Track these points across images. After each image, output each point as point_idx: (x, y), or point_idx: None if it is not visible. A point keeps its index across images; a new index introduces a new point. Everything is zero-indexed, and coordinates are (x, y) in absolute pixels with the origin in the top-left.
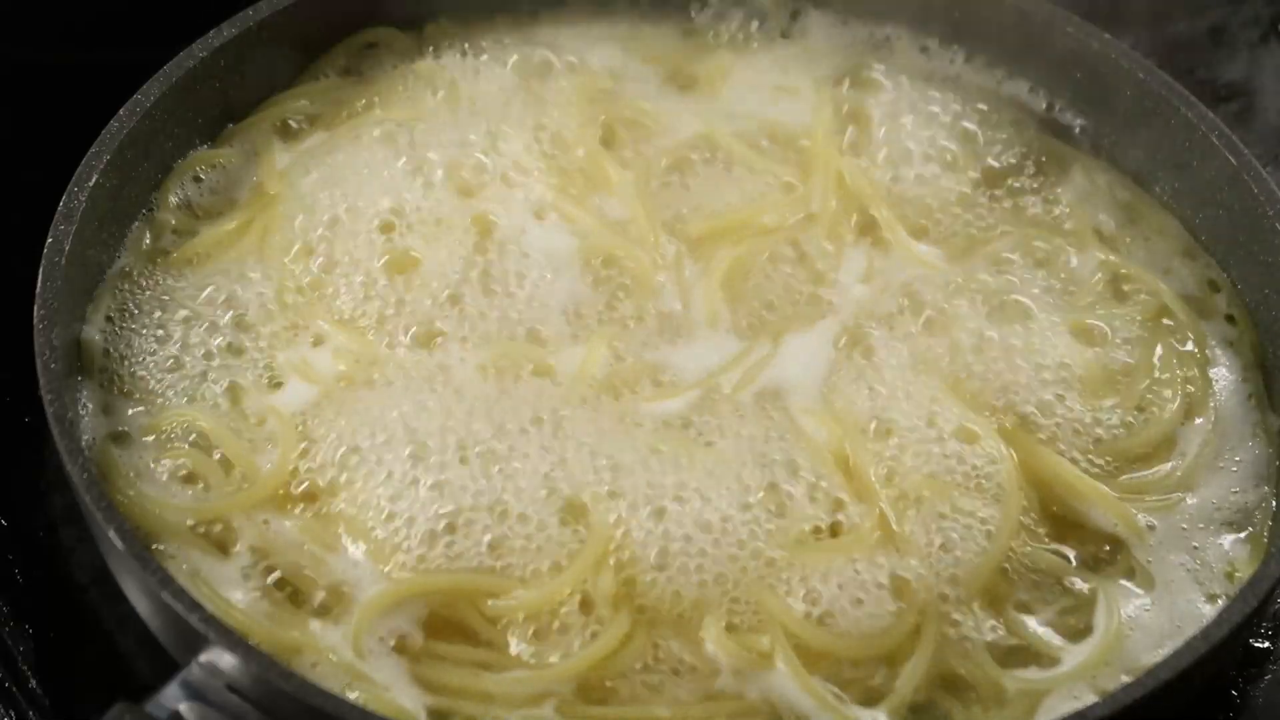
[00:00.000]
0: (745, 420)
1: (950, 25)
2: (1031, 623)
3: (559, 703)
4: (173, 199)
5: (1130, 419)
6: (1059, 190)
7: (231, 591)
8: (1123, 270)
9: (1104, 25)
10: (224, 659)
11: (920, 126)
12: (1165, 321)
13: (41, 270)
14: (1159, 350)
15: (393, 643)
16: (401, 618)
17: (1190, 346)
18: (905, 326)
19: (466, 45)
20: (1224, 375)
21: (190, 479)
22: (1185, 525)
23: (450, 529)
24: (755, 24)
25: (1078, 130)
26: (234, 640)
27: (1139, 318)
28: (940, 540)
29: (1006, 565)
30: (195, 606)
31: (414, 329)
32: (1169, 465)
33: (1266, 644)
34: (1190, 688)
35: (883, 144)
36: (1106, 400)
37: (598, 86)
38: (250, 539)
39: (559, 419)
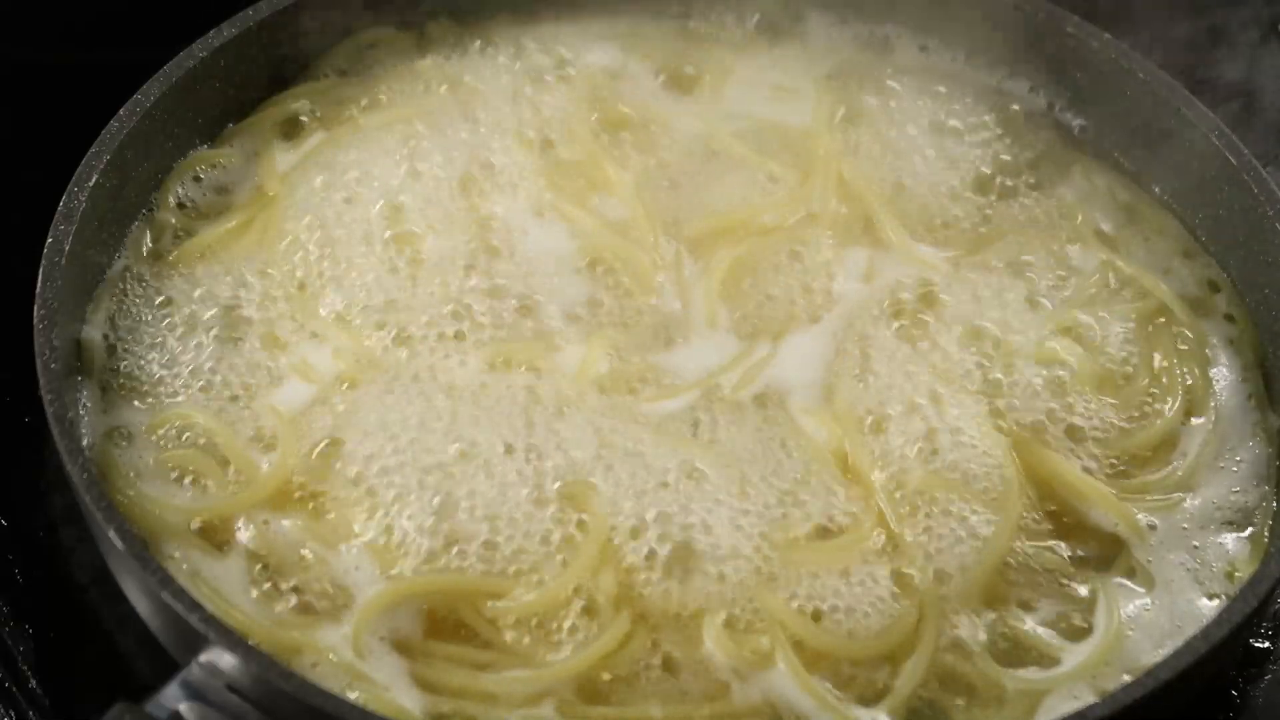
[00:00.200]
0: (745, 420)
1: (950, 25)
2: (1031, 622)
3: (559, 703)
4: (173, 199)
5: (1130, 419)
6: (1059, 190)
7: (231, 591)
8: (1123, 270)
9: (1104, 25)
10: (224, 659)
11: (920, 126)
12: (1165, 321)
13: (41, 270)
14: (1159, 350)
15: (393, 643)
16: (401, 618)
17: (1190, 347)
18: (905, 326)
19: (466, 45)
20: (1224, 375)
21: (190, 479)
22: (1185, 525)
23: (450, 529)
24: (755, 24)
25: (1078, 130)
26: (234, 640)
27: (1139, 318)
28: (940, 540)
29: (1007, 565)
30: (195, 606)
31: (413, 329)
32: (1169, 465)
33: (1266, 644)
34: (1190, 688)
35: (883, 144)
36: (1107, 400)
37: (597, 86)
38: (250, 539)
39: (559, 419)
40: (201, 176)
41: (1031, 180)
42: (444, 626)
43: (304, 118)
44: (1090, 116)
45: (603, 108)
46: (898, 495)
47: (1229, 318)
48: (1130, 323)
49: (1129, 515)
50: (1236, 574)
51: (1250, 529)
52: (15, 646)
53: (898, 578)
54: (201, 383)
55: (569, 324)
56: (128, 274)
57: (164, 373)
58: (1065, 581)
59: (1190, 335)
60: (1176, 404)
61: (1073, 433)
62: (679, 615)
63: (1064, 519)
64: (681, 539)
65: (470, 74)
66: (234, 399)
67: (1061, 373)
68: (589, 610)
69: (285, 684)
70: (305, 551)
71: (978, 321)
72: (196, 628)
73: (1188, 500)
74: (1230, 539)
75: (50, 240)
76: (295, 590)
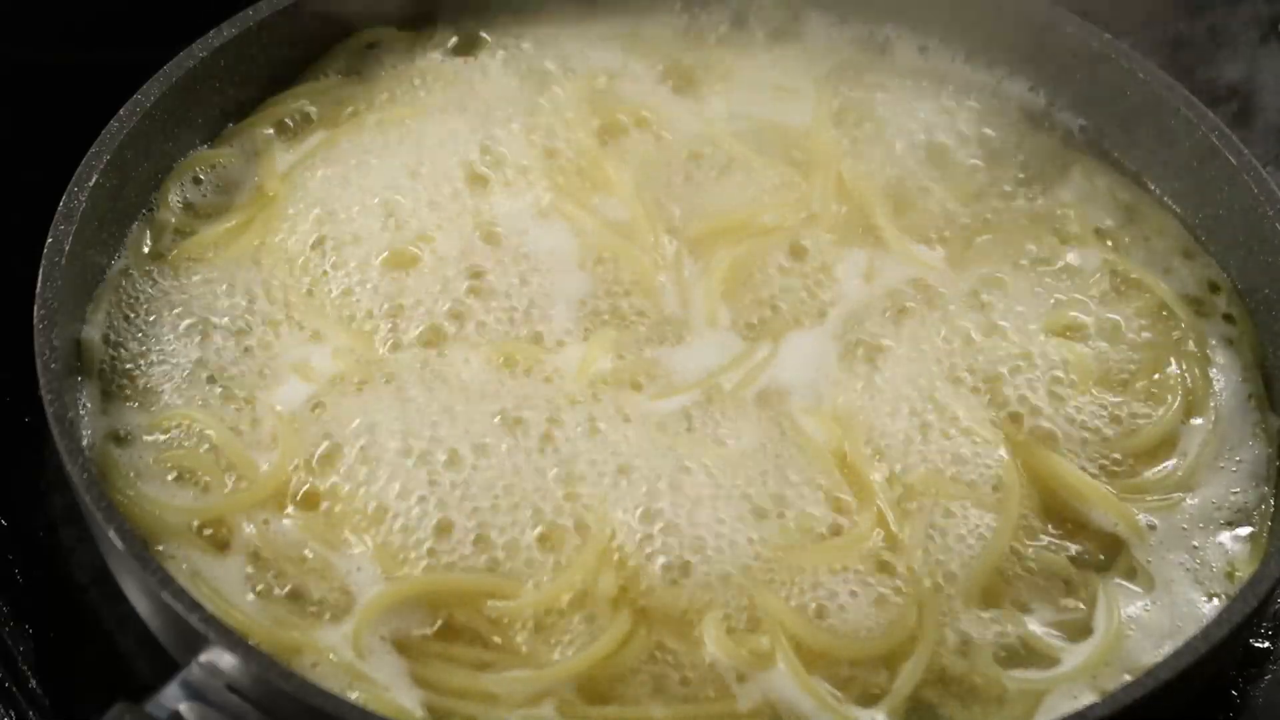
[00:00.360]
0: (746, 420)
1: (950, 25)
2: (1031, 622)
3: (559, 703)
4: (173, 199)
5: (1130, 418)
6: (1059, 190)
7: (231, 591)
8: (1123, 270)
9: (1104, 25)
10: (224, 659)
11: (920, 126)
12: (1165, 321)
13: (41, 270)
14: (1159, 350)
15: (393, 643)
16: (402, 618)
17: (1190, 346)
18: (905, 326)
19: (467, 45)
20: (1224, 375)
21: (190, 479)
22: (1185, 525)
23: (450, 529)
24: (755, 24)
25: (1078, 130)
26: (234, 640)
27: (1139, 318)
28: (940, 540)
29: (1006, 565)
30: (195, 606)
31: (414, 329)
32: (1169, 465)
33: (1266, 644)
34: (1190, 688)
35: (883, 144)
36: (1107, 400)
37: (597, 86)
38: (250, 539)
39: (558, 419)
40: (201, 176)
41: (1031, 180)
42: (444, 627)
43: (304, 118)
44: (1090, 116)
45: (603, 108)
46: (897, 495)
47: (1229, 318)
48: (1130, 323)
49: (1129, 515)
50: (1236, 574)
51: (1250, 529)
52: (15, 646)
53: (897, 577)
54: (201, 383)
55: (569, 324)
56: (128, 274)
57: (164, 372)
58: (1065, 581)
59: (1190, 335)
60: (1176, 404)
61: (1073, 432)
62: (679, 615)
63: (1064, 519)
64: (681, 539)
65: (470, 74)
66: (234, 399)
67: (1061, 373)
68: (589, 610)
69: (285, 684)
70: (305, 551)
71: (977, 321)
72: (196, 628)
73: (1187, 500)
74: (1230, 539)
75: (50, 240)
76: (295, 590)
